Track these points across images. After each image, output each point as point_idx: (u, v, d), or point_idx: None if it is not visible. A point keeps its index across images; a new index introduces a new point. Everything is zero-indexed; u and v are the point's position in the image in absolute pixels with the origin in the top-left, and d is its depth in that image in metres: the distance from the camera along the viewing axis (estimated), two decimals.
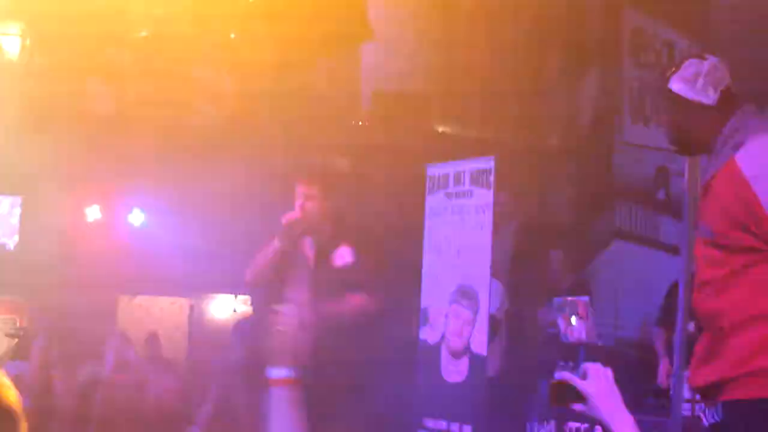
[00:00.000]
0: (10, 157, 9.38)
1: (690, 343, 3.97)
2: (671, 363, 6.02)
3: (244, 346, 8.25)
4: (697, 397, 4.01)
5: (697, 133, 3.09)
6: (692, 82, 3.09)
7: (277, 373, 2.27)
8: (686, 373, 4.02)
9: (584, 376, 2.18)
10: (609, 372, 2.18)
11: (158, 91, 10.05)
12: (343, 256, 4.85)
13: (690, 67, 3.12)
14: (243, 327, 8.51)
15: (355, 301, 4.75)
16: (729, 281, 2.89)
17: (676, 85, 3.11)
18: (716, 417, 2.89)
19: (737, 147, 2.92)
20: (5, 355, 8.79)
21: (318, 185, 4.97)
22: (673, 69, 3.15)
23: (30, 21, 11.95)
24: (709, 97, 3.07)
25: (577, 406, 2.16)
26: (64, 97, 9.93)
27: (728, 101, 3.09)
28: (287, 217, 4.90)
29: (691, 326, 4.09)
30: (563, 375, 2.19)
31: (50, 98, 9.84)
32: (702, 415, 3.02)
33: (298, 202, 4.92)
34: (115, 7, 9.06)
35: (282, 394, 2.26)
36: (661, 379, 6.10)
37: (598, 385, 2.15)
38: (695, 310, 3.11)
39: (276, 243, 4.96)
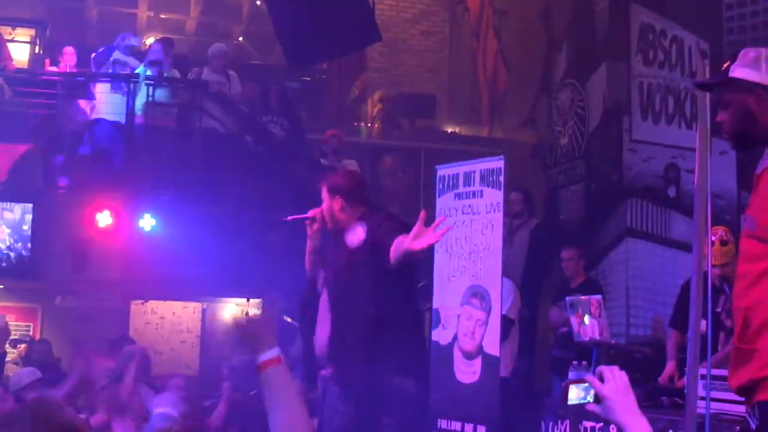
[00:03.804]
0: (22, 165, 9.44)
1: (703, 341, 3.97)
2: (678, 367, 6.02)
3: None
4: (709, 394, 4.00)
5: (761, 120, 2.96)
6: (755, 65, 2.98)
7: (267, 355, 2.43)
8: (700, 370, 4.03)
9: (600, 378, 2.20)
10: (625, 375, 2.20)
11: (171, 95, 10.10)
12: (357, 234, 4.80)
13: (748, 53, 3.01)
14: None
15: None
16: (763, 277, 2.82)
17: (738, 72, 2.99)
18: (757, 418, 2.85)
19: None
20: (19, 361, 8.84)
21: (325, 187, 4.94)
22: (728, 62, 3.03)
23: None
24: None
25: (592, 407, 2.18)
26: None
27: None
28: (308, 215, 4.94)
29: (703, 325, 4.07)
30: (580, 375, 2.21)
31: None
32: (747, 417, 2.95)
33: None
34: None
35: (275, 373, 2.42)
36: (663, 379, 6.08)
37: (615, 387, 2.18)
38: (732, 302, 3.05)
39: (308, 244, 4.98)
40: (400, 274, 4.47)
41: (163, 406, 2.55)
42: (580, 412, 2.24)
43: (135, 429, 4.59)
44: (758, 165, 3.03)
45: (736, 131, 3.03)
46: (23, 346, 9.39)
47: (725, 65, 3.04)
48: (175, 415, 2.60)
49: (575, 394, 2.21)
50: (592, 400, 2.20)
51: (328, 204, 4.86)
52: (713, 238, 5.41)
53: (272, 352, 2.43)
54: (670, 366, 6.13)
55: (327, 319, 4.90)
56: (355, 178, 5.17)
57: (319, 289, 5.34)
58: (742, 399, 2.96)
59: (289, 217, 5.07)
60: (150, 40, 13.64)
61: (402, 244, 4.18)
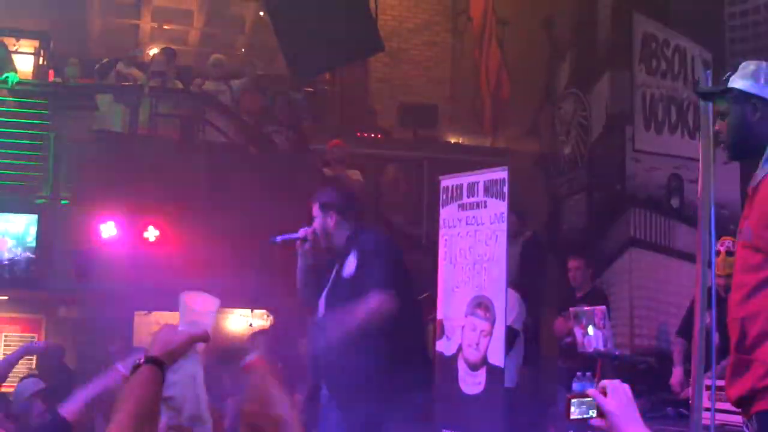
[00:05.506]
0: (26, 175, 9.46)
1: (709, 351, 3.96)
2: (685, 372, 6.03)
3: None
4: (718, 406, 3.99)
5: (757, 132, 3.02)
6: (755, 78, 3.04)
7: (249, 357, 2.78)
8: (705, 381, 4.01)
9: (604, 393, 2.17)
10: (628, 388, 2.17)
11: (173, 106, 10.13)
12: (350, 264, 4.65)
13: (748, 66, 3.09)
14: (260, 338, 8.52)
15: (373, 302, 4.39)
16: (761, 287, 2.84)
17: (737, 83, 3.06)
18: (755, 429, 2.85)
19: None
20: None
21: (317, 204, 4.79)
22: (729, 73, 3.11)
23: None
24: None
25: (596, 422, 2.17)
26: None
27: None
28: (299, 235, 4.77)
29: (716, 338, 4.06)
30: (584, 387, 2.19)
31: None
32: (744, 428, 2.95)
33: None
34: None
35: (258, 371, 2.73)
36: (675, 387, 6.10)
37: (618, 401, 2.15)
38: (728, 313, 3.05)
39: (299, 263, 4.83)
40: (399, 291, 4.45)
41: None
42: (583, 425, 2.21)
43: None
44: (753, 177, 3.05)
45: (732, 141, 3.12)
46: (35, 357, 9.38)
47: (726, 76, 3.10)
48: None
49: (578, 409, 2.19)
50: (595, 415, 2.18)
51: (321, 221, 4.70)
52: (720, 248, 5.41)
53: (251, 356, 2.79)
54: (678, 372, 6.15)
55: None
56: (346, 191, 5.06)
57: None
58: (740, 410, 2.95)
59: (278, 238, 4.84)
60: (153, 51, 13.68)
61: None
